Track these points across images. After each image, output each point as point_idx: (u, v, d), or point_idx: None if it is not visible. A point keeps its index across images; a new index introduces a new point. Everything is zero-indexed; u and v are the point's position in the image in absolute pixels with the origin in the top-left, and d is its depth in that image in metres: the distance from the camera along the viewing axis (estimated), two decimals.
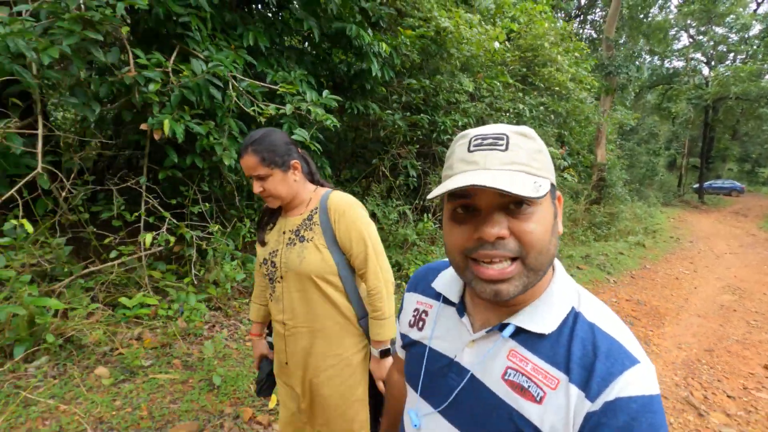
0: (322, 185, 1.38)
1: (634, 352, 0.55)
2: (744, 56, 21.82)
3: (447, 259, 0.75)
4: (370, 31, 3.61)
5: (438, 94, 4.89)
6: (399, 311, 0.87)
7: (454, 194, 0.57)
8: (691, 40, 23.84)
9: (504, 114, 5.88)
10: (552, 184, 0.58)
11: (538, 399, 0.56)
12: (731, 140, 28.83)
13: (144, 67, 2.48)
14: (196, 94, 2.58)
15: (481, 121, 5.50)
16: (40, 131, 2.09)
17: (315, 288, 1.26)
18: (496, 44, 4.81)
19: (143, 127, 2.44)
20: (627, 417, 0.50)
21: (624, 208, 10.60)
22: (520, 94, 5.73)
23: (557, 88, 6.61)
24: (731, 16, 20.27)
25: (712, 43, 21.90)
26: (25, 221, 2.21)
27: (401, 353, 0.88)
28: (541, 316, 0.60)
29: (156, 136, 2.46)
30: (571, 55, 7.38)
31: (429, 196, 0.57)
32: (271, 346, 1.52)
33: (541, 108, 6.37)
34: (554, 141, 6.85)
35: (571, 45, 7.33)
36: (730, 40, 21.61)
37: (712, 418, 2.85)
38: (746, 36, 20.80)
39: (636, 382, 0.52)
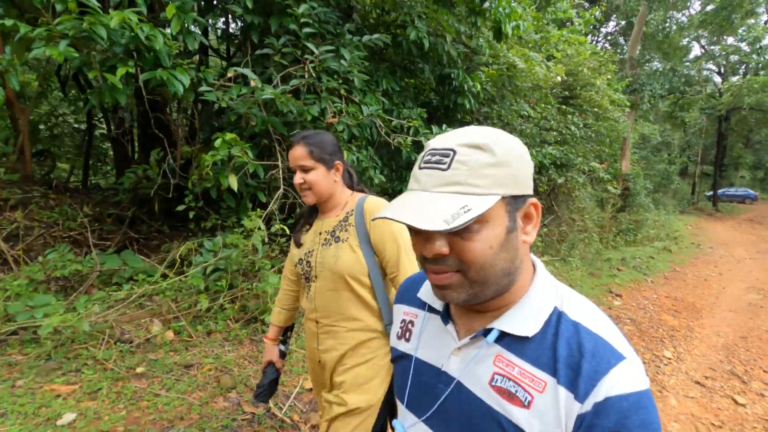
0: (361, 191, 1.42)
1: (620, 347, 0.55)
2: (757, 67, 22.35)
3: None
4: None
5: (501, 119, 5.73)
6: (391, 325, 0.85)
7: None
8: (702, 50, 24.48)
9: (550, 133, 6.70)
10: (512, 197, 0.57)
11: (526, 404, 0.56)
12: (744, 148, 29.35)
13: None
14: (362, 130, 3.43)
15: (532, 140, 6.32)
16: (280, 163, 2.93)
17: (347, 288, 1.29)
18: (559, 78, 5.64)
19: None
20: (618, 416, 0.50)
21: (649, 215, 11.32)
22: (569, 116, 6.54)
23: (596, 109, 7.41)
24: (743, 28, 20.85)
25: (724, 53, 22.43)
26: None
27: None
28: (523, 319, 0.60)
29: None
30: (604, 77, 8.20)
31: (379, 215, 0.57)
32: (282, 354, 1.55)
33: (583, 127, 7.18)
34: (593, 157, 7.65)
35: (604, 68, 8.15)
36: (742, 51, 22.10)
37: (753, 384, 3.62)
38: (758, 47, 21.28)
39: (624, 379, 0.52)
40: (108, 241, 4.28)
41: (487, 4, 3.62)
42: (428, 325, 0.72)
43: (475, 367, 0.62)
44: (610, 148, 9.16)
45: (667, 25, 15.99)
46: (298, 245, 1.41)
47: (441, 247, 0.56)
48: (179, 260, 3.33)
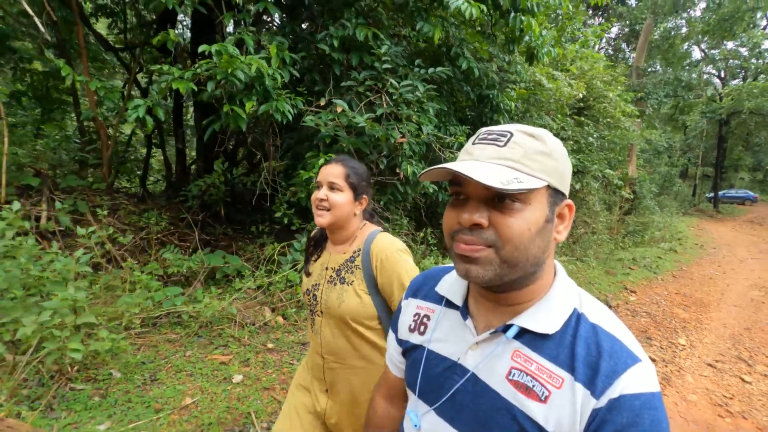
0: (371, 221, 1.38)
1: (636, 351, 0.58)
2: (756, 72, 22.90)
3: (444, 266, 0.83)
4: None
5: None
6: (395, 320, 0.86)
7: (452, 182, 0.61)
8: (703, 54, 25.04)
9: (567, 142, 7.27)
10: (554, 189, 0.60)
11: (543, 398, 0.58)
12: (744, 151, 29.94)
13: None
14: (421, 147, 3.98)
15: None
16: None
17: (352, 330, 1.26)
18: (581, 94, 6.23)
19: (397, 170, 3.85)
20: (631, 413, 0.53)
21: (655, 218, 11.89)
22: (585, 127, 7.12)
23: (609, 120, 7.99)
24: (742, 35, 21.37)
25: (723, 58, 22.93)
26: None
27: (395, 370, 0.87)
28: (544, 317, 0.61)
29: (400, 175, 3.87)
30: (616, 90, 8.77)
31: (419, 175, 0.61)
32: None
33: (596, 137, 7.75)
34: (606, 164, 8.22)
35: (615, 82, 8.72)
36: (741, 55, 22.57)
37: (757, 367, 4.18)
38: (758, 51, 21.74)
39: (638, 380, 0.55)
40: (186, 243, 4.82)
41: (527, 38, 4.18)
42: (445, 320, 0.74)
43: (492, 361, 0.64)
44: (620, 155, 9.73)
45: (672, 34, 16.57)
46: (308, 274, 1.39)
47: (481, 217, 0.57)
48: (266, 259, 3.88)
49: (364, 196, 1.31)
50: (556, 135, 7.03)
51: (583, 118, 7.56)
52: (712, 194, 25.11)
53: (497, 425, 0.60)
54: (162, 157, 7.20)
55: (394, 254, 1.23)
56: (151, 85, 6.84)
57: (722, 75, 24.69)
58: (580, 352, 0.58)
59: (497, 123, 5.22)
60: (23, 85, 5.46)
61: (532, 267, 0.59)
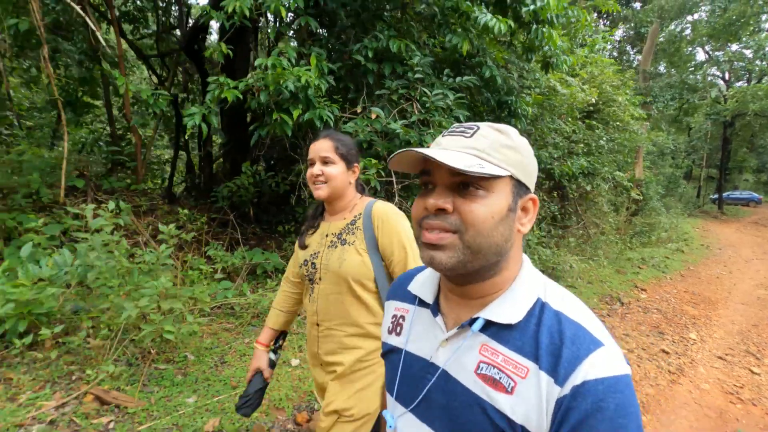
0: (363, 194, 1.43)
1: (599, 335, 0.57)
2: (761, 74, 23.02)
3: (421, 266, 0.85)
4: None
5: (541, 135, 6.54)
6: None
7: (421, 172, 0.64)
8: (707, 56, 25.17)
9: (578, 145, 7.50)
10: (518, 181, 0.62)
11: (509, 389, 0.58)
12: (748, 152, 30.06)
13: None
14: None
15: (563, 151, 7.12)
16: (393, 179, 3.76)
17: (351, 291, 1.28)
18: (593, 99, 6.46)
19: None
20: (595, 398, 0.52)
21: (662, 219, 12.10)
22: (596, 131, 7.35)
23: (618, 123, 8.22)
24: (745, 38, 21.50)
25: (728, 60, 23.05)
26: None
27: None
28: (508, 308, 0.62)
29: None
30: (625, 94, 9.00)
31: (399, 151, 0.62)
32: (271, 364, 1.51)
33: (606, 140, 7.99)
34: (615, 166, 8.45)
35: (623, 86, 8.95)
36: (746, 58, 22.67)
37: (765, 360, 4.40)
38: (762, 53, 21.82)
39: (601, 364, 0.54)
40: (219, 241, 5.08)
41: (545, 48, 4.42)
42: (418, 319, 0.75)
43: (461, 356, 0.64)
44: (628, 157, 9.96)
45: (678, 38, 16.77)
46: (303, 247, 1.42)
47: (446, 203, 0.59)
48: None
49: (355, 164, 1.37)
50: (567, 138, 7.27)
51: (593, 122, 7.79)
52: (716, 196, 25.26)
53: (470, 421, 0.60)
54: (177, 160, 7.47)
55: (394, 215, 1.30)
56: (187, 93, 7.06)
57: (726, 77, 24.85)
58: (544, 340, 0.58)
59: (515, 127, 5.46)
60: (58, 91, 5.72)
61: (495, 256, 0.61)
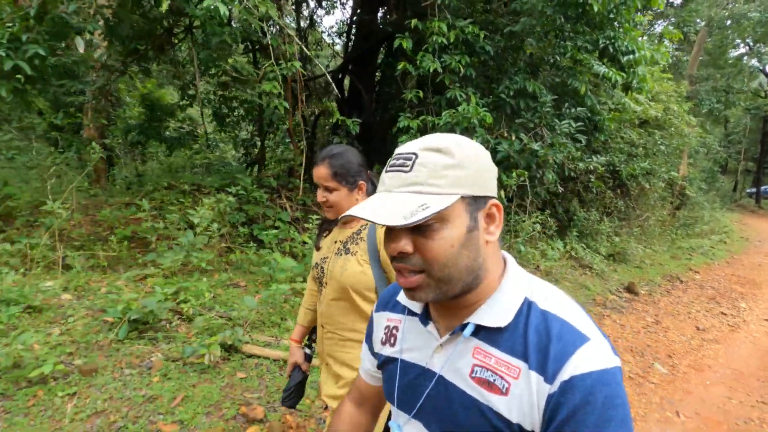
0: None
1: (585, 330, 0.59)
2: None
3: None
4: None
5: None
6: (369, 333, 0.90)
7: None
8: (748, 48, 25.10)
9: (638, 149, 8.78)
10: (471, 197, 0.61)
11: (504, 390, 0.60)
12: None
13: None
14: (521, 159, 5.62)
15: (629, 157, 8.40)
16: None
17: (349, 300, 1.33)
18: (658, 114, 7.75)
19: (542, 178, 5.54)
20: (582, 393, 0.54)
21: (705, 213, 13.18)
22: (655, 136, 8.62)
23: (673, 129, 9.41)
24: None
25: None
26: None
27: (367, 378, 0.92)
28: (496, 311, 0.64)
29: (544, 181, 5.57)
30: (678, 101, 10.13)
31: (345, 214, 0.63)
32: (307, 357, 1.61)
33: (665, 144, 9.23)
34: (669, 166, 9.69)
35: (679, 98, 10.11)
36: None
37: None
38: None
39: (588, 358, 0.56)
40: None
41: (634, 82, 5.77)
42: (410, 328, 0.77)
43: (455, 361, 0.67)
44: (678, 158, 11.12)
45: (724, 43, 17.44)
46: (318, 249, 1.48)
47: (405, 245, 0.60)
48: None
49: (360, 182, 1.35)
50: (630, 142, 8.55)
51: (650, 129, 9.03)
52: (753, 190, 25.57)
53: (469, 424, 0.63)
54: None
55: None
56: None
57: (767, 70, 24.87)
58: (532, 339, 0.60)
59: (598, 140, 6.82)
60: (243, 111, 7.37)
61: (470, 276, 0.63)
